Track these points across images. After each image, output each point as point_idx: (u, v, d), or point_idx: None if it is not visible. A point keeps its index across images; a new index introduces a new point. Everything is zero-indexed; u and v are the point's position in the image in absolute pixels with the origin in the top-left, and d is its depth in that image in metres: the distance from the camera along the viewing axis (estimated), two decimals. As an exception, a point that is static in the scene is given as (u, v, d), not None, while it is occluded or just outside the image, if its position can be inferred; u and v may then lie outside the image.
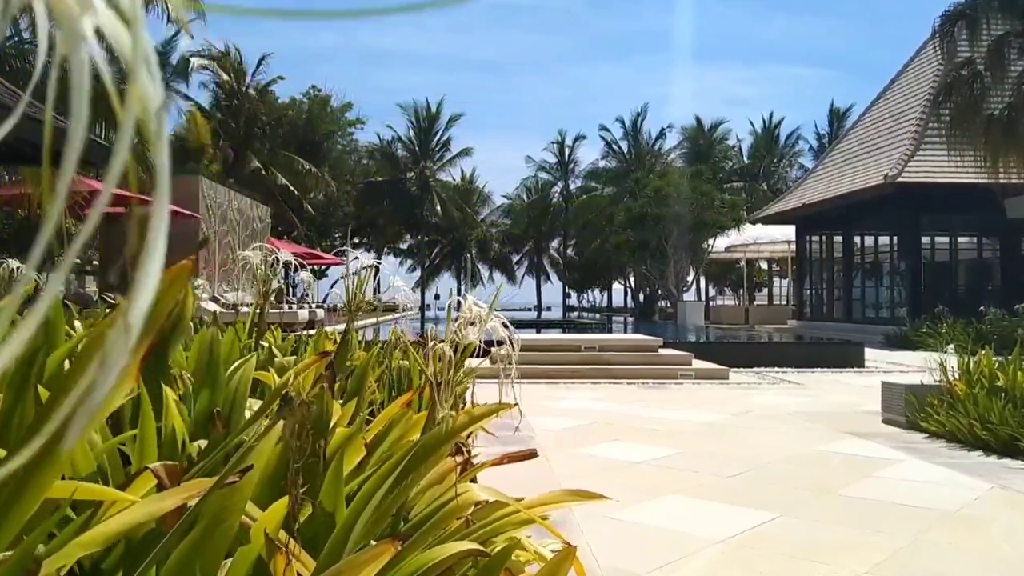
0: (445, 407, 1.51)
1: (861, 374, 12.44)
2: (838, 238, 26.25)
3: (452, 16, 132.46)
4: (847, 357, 13.64)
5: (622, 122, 49.79)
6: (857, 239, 25.61)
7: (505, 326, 1.40)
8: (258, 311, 2.85)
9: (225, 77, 35.41)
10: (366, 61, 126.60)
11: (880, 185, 20.59)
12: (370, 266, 2.34)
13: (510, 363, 1.41)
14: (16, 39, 14.33)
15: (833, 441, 6.50)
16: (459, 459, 2.08)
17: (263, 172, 36.49)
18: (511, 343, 1.40)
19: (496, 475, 2.92)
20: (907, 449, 6.15)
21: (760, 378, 11.61)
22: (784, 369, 12.85)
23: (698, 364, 11.72)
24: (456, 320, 1.41)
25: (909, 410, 7.06)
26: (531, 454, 1.92)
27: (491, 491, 1.54)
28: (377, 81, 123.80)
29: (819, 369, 12.89)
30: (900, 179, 20.24)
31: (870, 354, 14.48)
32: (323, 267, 30.72)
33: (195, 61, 31.23)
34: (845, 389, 10.42)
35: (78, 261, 32.33)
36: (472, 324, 1.37)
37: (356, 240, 48.06)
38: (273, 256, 2.65)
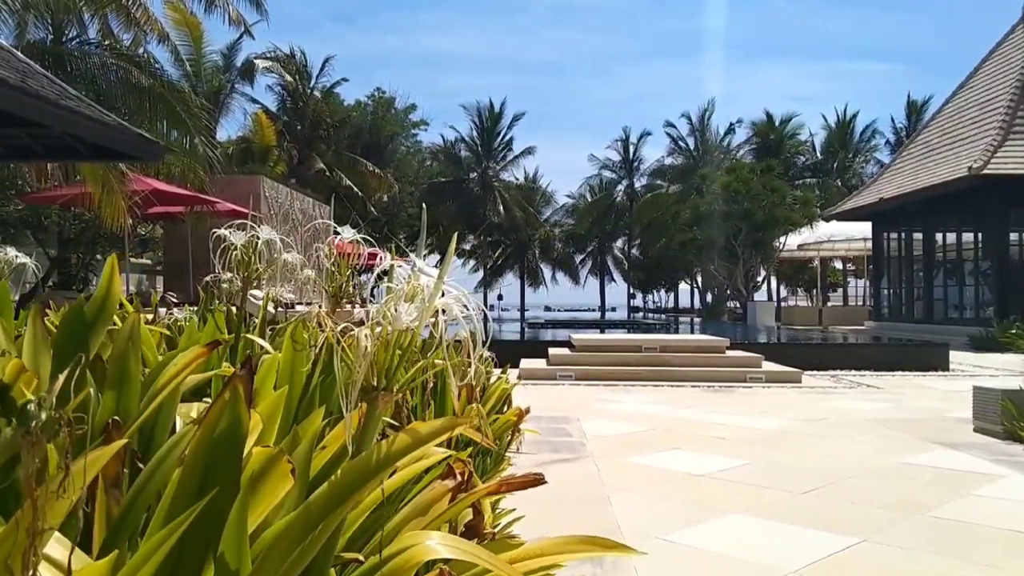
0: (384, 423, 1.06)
1: (946, 378, 11.57)
2: (918, 235, 24.93)
3: (513, 18, 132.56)
4: (930, 359, 12.75)
5: (688, 118, 48.65)
6: (939, 235, 24.29)
7: (466, 308, 0.95)
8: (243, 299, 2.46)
9: (290, 79, 35.74)
10: (426, 64, 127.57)
11: (964, 177, 19.43)
12: (357, 241, 1.90)
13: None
14: (79, 40, 14.44)
15: (920, 452, 5.84)
16: (449, 483, 1.63)
17: (327, 173, 36.72)
18: (471, 326, 0.94)
19: (539, 487, 2.46)
20: (1008, 462, 5.46)
21: (836, 381, 10.87)
22: (862, 372, 12.06)
23: (768, 366, 11.05)
24: (396, 294, 0.96)
25: (1006, 418, 6.39)
26: (537, 480, 1.47)
27: (457, 544, 1.07)
28: (437, 84, 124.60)
29: (900, 372, 12.07)
30: (985, 171, 19.07)
31: (954, 356, 13.53)
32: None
33: (260, 63, 31.51)
34: (929, 394, 9.63)
35: (148, 261, 32.92)
36: (411, 300, 0.92)
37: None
38: (255, 234, 2.24)
